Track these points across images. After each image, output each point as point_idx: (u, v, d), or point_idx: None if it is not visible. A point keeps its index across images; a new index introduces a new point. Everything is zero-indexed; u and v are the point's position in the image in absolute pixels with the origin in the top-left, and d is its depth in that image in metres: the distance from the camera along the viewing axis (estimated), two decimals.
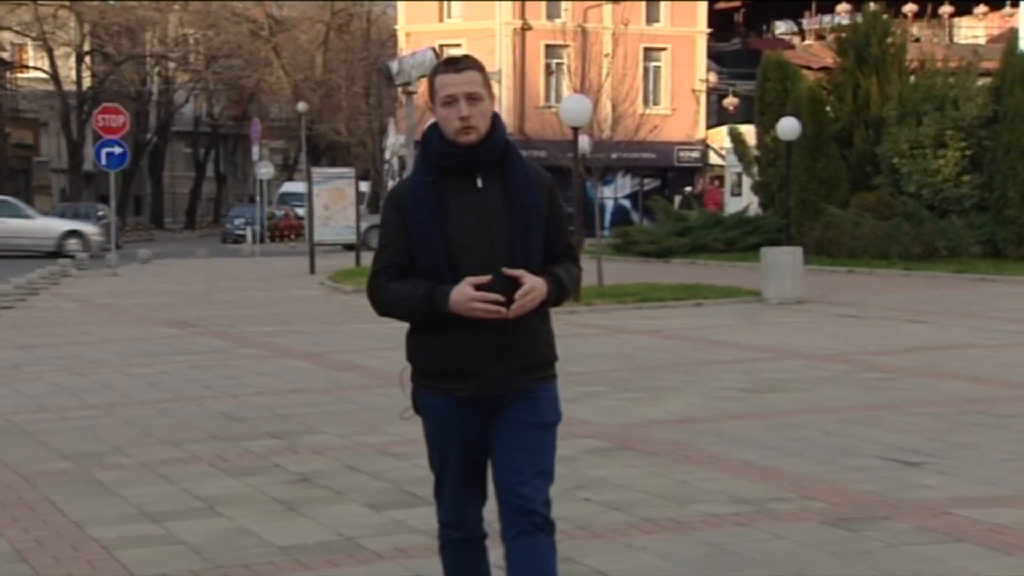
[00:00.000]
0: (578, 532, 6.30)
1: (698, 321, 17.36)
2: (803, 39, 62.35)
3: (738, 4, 60.49)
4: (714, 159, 51.19)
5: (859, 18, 35.07)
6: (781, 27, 70.46)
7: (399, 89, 20.68)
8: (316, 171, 33.34)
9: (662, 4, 51.66)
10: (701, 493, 7.15)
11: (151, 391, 11.38)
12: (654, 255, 32.79)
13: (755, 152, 34.61)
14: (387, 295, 4.27)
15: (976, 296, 21.23)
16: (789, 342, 14.77)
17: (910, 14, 48.02)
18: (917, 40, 46.95)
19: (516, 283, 4.13)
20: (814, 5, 59.06)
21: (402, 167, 24.72)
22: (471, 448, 4.29)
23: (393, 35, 54.84)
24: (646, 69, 48.71)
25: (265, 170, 41.00)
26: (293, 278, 27.76)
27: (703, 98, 52.87)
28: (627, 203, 51.20)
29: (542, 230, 4.25)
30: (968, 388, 10.97)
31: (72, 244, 35.67)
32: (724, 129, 42.40)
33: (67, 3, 57.27)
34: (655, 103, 48.87)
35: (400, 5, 53.12)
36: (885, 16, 33.31)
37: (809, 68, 41.37)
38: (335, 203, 30.50)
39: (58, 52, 58.22)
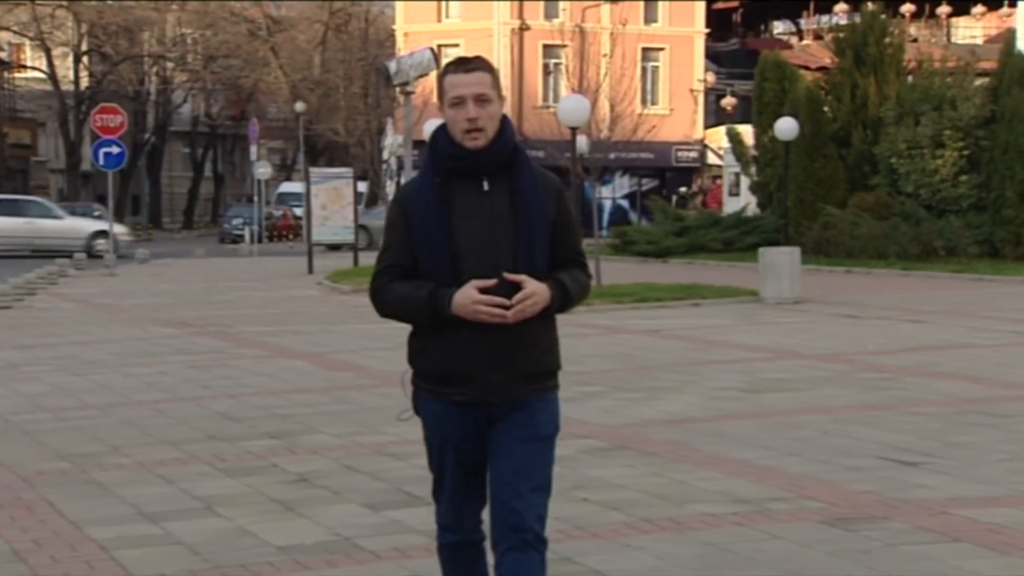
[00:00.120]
0: (576, 532, 6.31)
1: (696, 321, 17.36)
2: (801, 39, 62.41)
3: (736, 4, 60.51)
4: (712, 159, 51.19)
5: (857, 18, 35.11)
6: (779, 27, 70.52)
7: (397, 89, 20.65)
8: (314, 171, 33.36)
9: (660, 4, 51.66)
10: (699, 493, 7.15)
11: (149, 391, 11.38)
12: (652, 255, 32.78)
13: (753, 152, 34.61)
14: (389, 296, 4.23)
15: (974, 296, 21.24)
16: (787, 342, 14.77)
17: (908, 14, 48.03)
18: (915, 40, 46.99)
19: (519, 288, 4.08)
20: (812, 5, 59.12)
21: (400, 167, 24.69)
22: (469, 453, 4.26)
23: (391, 35, 54.80)
24: (644, 69, 48.70)
25: (263, 170, 40.98)
26: (291, 278, 27.76)
27: (701, 98, 52.86)
28: (625, 203, 51.20)
29: (547, 235, 4.19)
30: (966, 388, 10.98)
31: (101, 244, 35.70)
32: (722, 129, 42.39)
33: (65, 3, 57.26)
34: (653, 103, 48.92)
35: (398, 5, 53.13)
36: (883, 16, 33.31)
37: (807, 68, 41.38)
38: (333, 203, 30.52)
39: (56, 52, 58.23)
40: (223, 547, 6.21)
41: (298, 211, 47.47)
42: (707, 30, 53.34)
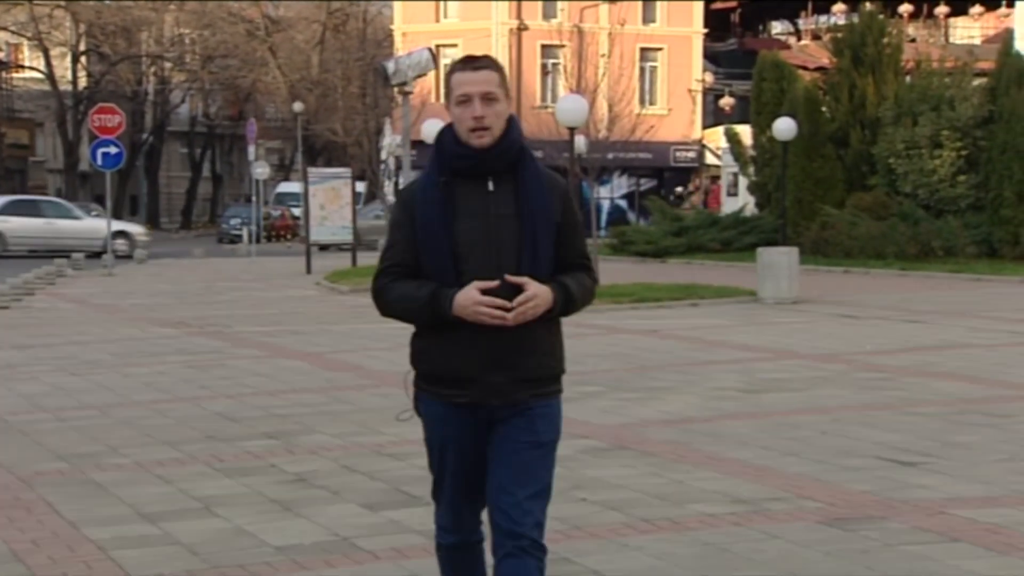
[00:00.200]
0: (575, 532, 6.31)
1: (695, 321, 17.37)
2: (799, 39, 62.44)
3: (734, 4, 60.52)
4: (710, 159, 51.22)
5: (855, 18, 35.10)
6: (777, 27, 70.55)
7: (395, 89, 20.64)
8: (312, 171, 33.35)
9: (658, 4, 51.67)
10: (697, 493, 7.15)
11: (148, 391, 11.37)
12: (650, 255, 32.80)
13: (751, 152, 34.64)
14: (391, 295, 4.20)
15: (972, 296, 21.26)
16: (785, 342, 14.78)
17: (906, 14, 48.02)
18: (913, 40, 46.97)
19: (521, 290, 4.05)
20: (810, 5, 59.13)
21: (398, 167, 24.69)
22: (469, 456, 4.24)
23: (389, 35, 54.80)
24: (642, 69, 48.74)
25: (261, 170, 40.93)
26: (289, 278, 27.77)
27: (699, 98, 52.88)
28: (623, 203, 51.22)
29: (551, 237, 4.16)
30: (964, 388, 10.98)
31: (120, 244, 35.71)
32: (720, 129, 42.42)
33: (63, 3, 57.24)
34: (651, 103, 48.94)
35: (396, 5, 53.14)
36: (881, 16, 33.35)
37: (805, 68, 41.42)
38: (331, 203, 30.51)
39: (54, 52, 58.21)
40: (221, 547, 6.21)
41: (296, 211, 47.43)
42: (705, 30, 53.36)
